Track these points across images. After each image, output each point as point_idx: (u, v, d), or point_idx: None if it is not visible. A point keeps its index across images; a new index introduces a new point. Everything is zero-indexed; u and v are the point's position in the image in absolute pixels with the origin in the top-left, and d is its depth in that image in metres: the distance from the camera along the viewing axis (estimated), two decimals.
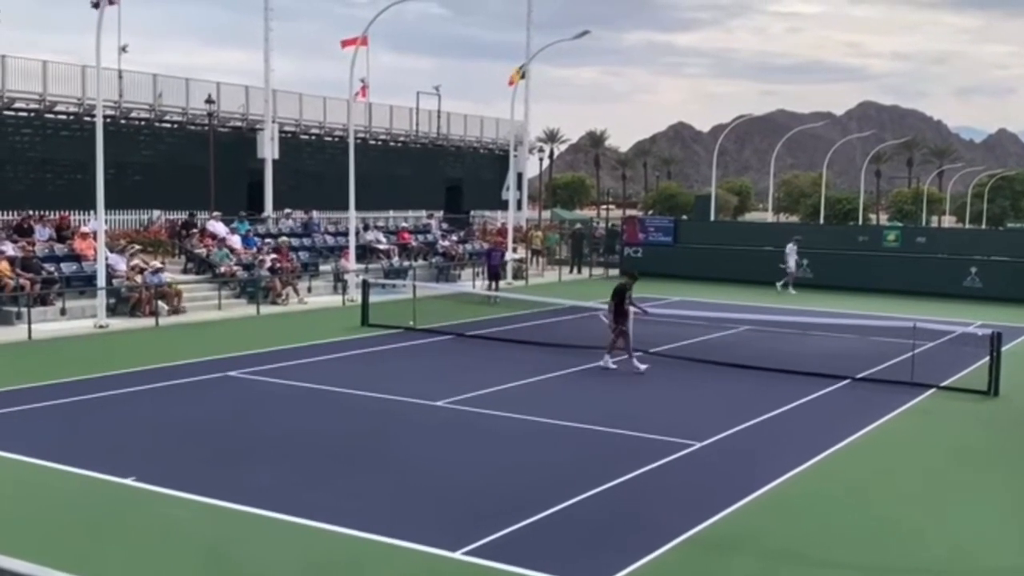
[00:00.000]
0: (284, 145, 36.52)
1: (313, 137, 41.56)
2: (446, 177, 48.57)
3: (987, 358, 16.15)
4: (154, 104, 34.72)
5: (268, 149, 34.87)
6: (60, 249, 24.84)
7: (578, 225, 50.67)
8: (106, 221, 23.84)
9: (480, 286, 31.09)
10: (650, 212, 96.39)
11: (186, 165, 34.56)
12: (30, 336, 19.90)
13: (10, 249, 22.95)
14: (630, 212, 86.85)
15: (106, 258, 22.92)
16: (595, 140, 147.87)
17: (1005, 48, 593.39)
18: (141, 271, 24.29)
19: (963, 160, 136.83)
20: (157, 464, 11.01)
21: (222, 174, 33.83)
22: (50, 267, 23.25)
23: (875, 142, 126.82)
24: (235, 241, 28.95)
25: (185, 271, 27.69)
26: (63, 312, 22.45)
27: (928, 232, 43.23)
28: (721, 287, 32.27)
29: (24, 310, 20.93)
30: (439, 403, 14.37)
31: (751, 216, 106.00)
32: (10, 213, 27.40)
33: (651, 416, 14.12)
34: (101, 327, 21.58)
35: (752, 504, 10.09)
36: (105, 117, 24.80)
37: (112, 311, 22.77)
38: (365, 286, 23.48)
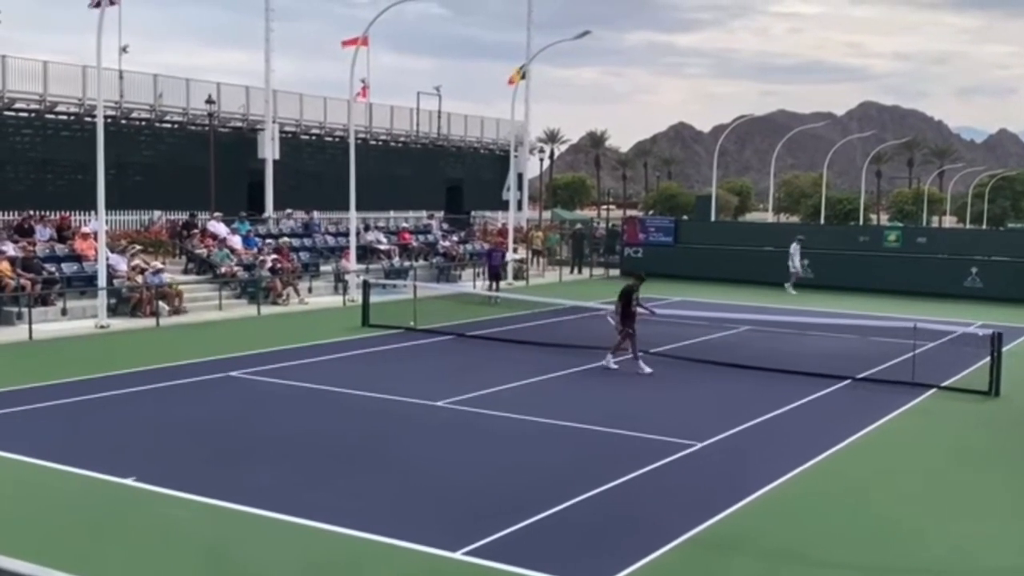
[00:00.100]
0: (285, 145, 36.53)
1: (314, 137, 41.57)
2: (447, 177, 48.56)
3: (988, 358, 16.15)
4: (155, 104, 34.72)
5: (269, 149, 34.88)
6: (61, 249, 24.86)
7: (579, 225, 50.66)
8: (107, 221, 23.85)
9: (481, 286, 31.10)
10: (650, 212, 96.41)
11: (187, 165, 34.56)
12: (31, 336, 19.91)
13: (11, 249, 22.97)
14: (630, 212, 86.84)
15: (107, 258, 22.93)
16: (595, 140, 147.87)
17: (1006, 48, 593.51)
18: (142, 271, 24.30)
19: (964, 160, 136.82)
20: (158, 464, 11.01)
21: (223, 174, 33.83)
22: (51, 267, 23.26)
23: (876, 142, 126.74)
24: (236, 241, 28.96)
25: (186, 271, 27.70)
26: (64, 312, 22.46)
27: (929, 232, 43.21)
28: (721, 287, 32.27)
29: (25, 310, 20.94)
30: (439, 403, 14.38)
31: (751, 216, 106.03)
32: (11, 213, 27.41)
33: (651, 416, 14.12)
34: (102, 327, 21.58)
35: (752, 504, 10.09)
36: (106, 117, 24.80)
37: (113, 311, 22.78)
38: (366, 286, 23.48)
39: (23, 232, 25.21)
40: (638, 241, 38.29)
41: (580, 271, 39.34)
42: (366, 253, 31.75)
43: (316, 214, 34.60)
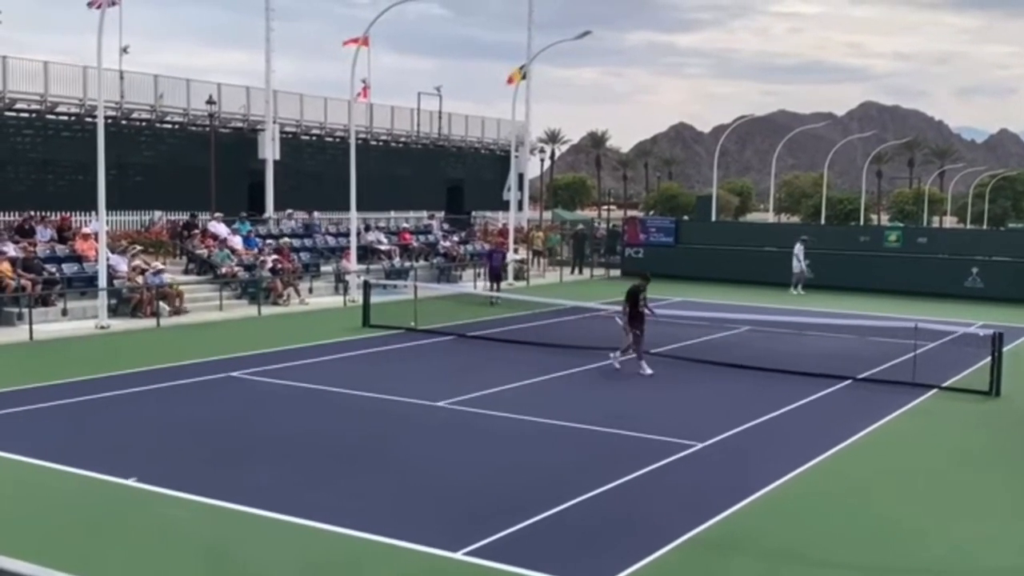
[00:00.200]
0: (285, 146, 36.52)
1: (314, 138, 41.56)
2: (447, 178, 48.55)
3: (988, 359, 16.15)
4: (155, 105, 34.71)
5: (269, 150, 34.88)
6: (61, 250, 24.87)
7: (580, 226, 50.65)
8: (107, 222, 23.84)
9: (482, 287, 31.11)
10: (651, 213, 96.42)
11: (187, 166, 34.55)
12: (31, 337, 19.92)
13: (11, 250, 22.97)
14: (631, 213, 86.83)
15: (107, 259, 22.94)
16: (596, 141, 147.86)
17: (1006, 48, 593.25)
18: (142, 272, 24.30)
19: (964, 160, 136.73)
20: (158, 464, 11.01)
21: (223, 175, 33.84)
22: (51, 268, 23.27)
23: (876, 142, 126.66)
24: (236, 242, 28.97)
25: (186, 272, 27.71)
26: (64, 313, 22.46)
27: (929, 232, 43.17)
28: (722, 288, 32.26)
29: (25, 311, 20.95)
30: (440, 404, 14.38)
31: (752, 217, 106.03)
32: (11, 214, 27.42)
33: (652, 417, 14.12)
34: (102, 328, 21.59)
35: (753, 504, 10.08)
36: (106, 118, 24.81)
37: (113, 312, 22.79)
38: (366, 287, 23.49)
39: (24, 233, 25.22)
40: (639, 241, 38.29)
41: (581, 271, 39.33)
42: (367, 253, 31.75)
43: (317, 214, 34.61)
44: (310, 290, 28.61)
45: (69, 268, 23.65)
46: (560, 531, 9.18)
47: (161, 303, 23.31)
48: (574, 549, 8.74)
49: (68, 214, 27.71)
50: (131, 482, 10.24)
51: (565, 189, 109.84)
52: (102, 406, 14.15)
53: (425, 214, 40.77)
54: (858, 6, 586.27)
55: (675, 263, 35.36)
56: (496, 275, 30.25)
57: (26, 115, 31.70)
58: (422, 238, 36.37)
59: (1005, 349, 16.47)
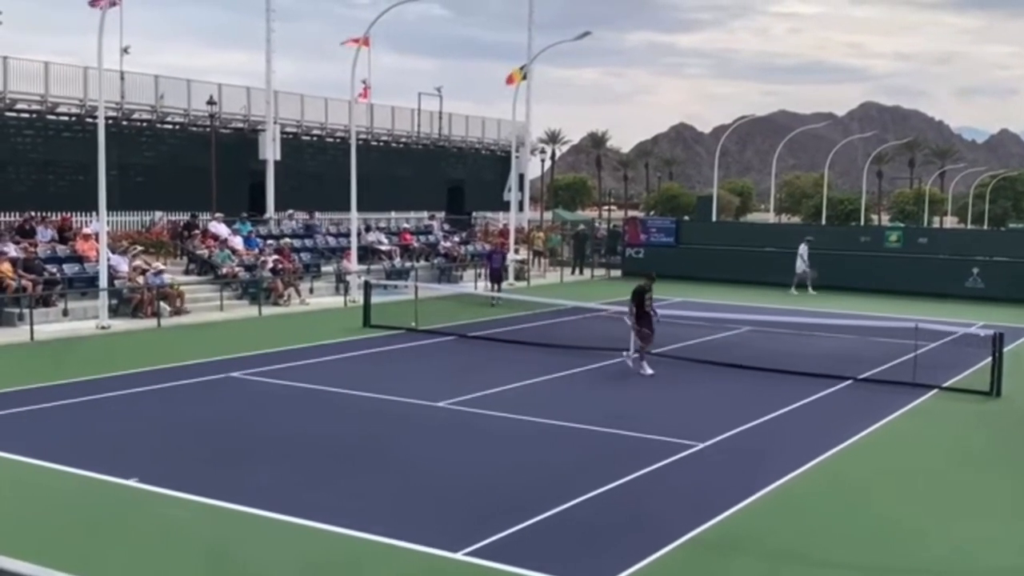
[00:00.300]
0: (286, 146, 36.52)
1: (315, 138, 41.56)
2: (448, 178, 48.55)
3: (989, 359, 16.15)
4: (156, 105, 34.72)
5: (270, 150, 34.88)
6: (62, 250, 24.88)
7: (581, 226, 50.65)
8: (108, 222, 23.83)
9: (482, 287, 31.10)
10: (651, 213, 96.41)
11: (188, 166, 34.55)
12: (32, 337, 19.93)
13: (12, 250, 22.97)
14: (632, 213, 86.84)
15: (108, 259, 22.94)
16: (597, 141, 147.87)
17: (1007, 48, 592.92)
18: (143, 272, 24.31)
19: (965, 161, 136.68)
20: (159, 464, 11.02)
21: (224, 175, 33.84)
22: (52, 268, 23.27)
23: (877, 143, 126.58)
24: (237, 242, 28.97)
25: (187, 272, 27.71)
26: (65, 313, 22.47)
27: (930, 233, 43.16)
28: (722, 288, 32.26)
29: (26, 311, 20.95)
30: (440, 404, 14.38)
31: (753, 217, 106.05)
32: (12, 214, 27.42)
33: (653, 417, 14.12)
34: (103, 328, 21.59)
35: (754, 505, 10.08)
36: (107, 118, 24.81)
37: (114, 312, 22.79)
38: (367, 287, 23.49)
39: (24, 233, 25.23)
40: (639, 242, 38.29)
41: (581, 272, 39.33)
42: (367, 254, 31.75)
43: (317, 215, 34.60)
44: (311, 290, 28.62)
45: (70, 268, 23.65)
46: (561, 531, 9.18)
47: (162, 303, 23.32)
48: (575, 549, 8.74)
49: (69, 214, 27.71)
50: (132, 482, 10.24)
51: (566, 189, 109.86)
52: (103, 406, 14.15)
53: (426, 214, 40.77)
54: (858, 6, 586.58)
55: (676, 263, 35.35)
56: (497, 275, 30.25)
57: (27, 115, 31.71)
58: (423, 238, 36.37)
59: (1006, 349, 16.47)
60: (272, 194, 34.73)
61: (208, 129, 34.66)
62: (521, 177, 41.27)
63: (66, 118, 32.61)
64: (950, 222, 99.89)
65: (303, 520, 9.16)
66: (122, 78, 34.03)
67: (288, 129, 38.36)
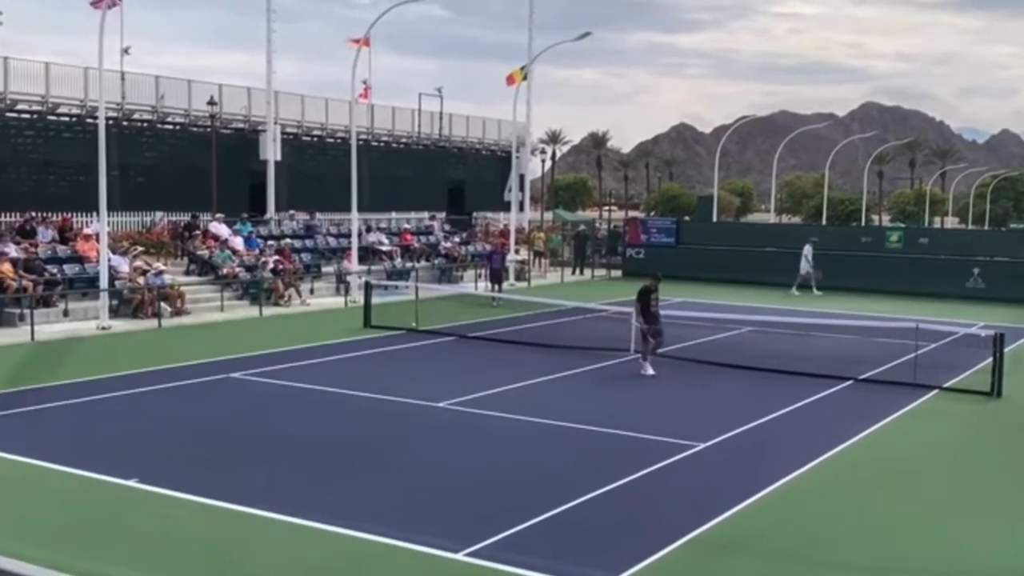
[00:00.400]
0: (286, 147, 36.53)
1: (315, 139, 41.56)
2: (448, 178, 48.55)
3: (990, 359, 16.14)
4: (156, 106, 34.72)
5: (271, 151, 34.90)
6: (63, 251, 24.88)
7: (581, 226, 50.67)
8: (108, 223, 23.85)
9: (483, 288, 31.11)
10: (652, 213, 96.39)
11: (188, 167, 34.56)
12: (33, 338, 19.93)
13: (13, 251, 22.97)
14: (632, 213, 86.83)
15: (109, 260, 22.94)
16: (597, 141, 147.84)
17: (1007, 49, 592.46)
18: (143, 273, 24.32)
19: (966, 161, 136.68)
20: (159, 465, 11.01)
21: (224, 176, 33.84)
22: (53, 269, 23.27)
23: (877, 143, 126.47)
24: (237, 243, 28.98)
25: (187, 273, 27.71)
26: (66, 314, 22.47)
27: (931, 233, 43.14)
28: (723, 288, 32.25)
29: (27, 312, 20.96)
30: (441, 404, 14.37)
31: (753, 217, 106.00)
32: (13, 215, 27.42)
33: (653, 417, 14.12)
34: (104, 328, 21.59)
35: (755, 505, 10.08)
36: (107, 119, 24.81)
37: (115, 313, 22.79)
38: (367, 287, 23.49)
39: (25, 233, 25.23)
40: (640, 242, 38.29)
41: (582, 272, 39.35)
42: (368, 254, 31.75)
43: (318, 215, 34.61)
44: (311, 291, 28.62)
45: (70, 269, 23.66)
46: (561, 532, 9.17)
47: (162, 304, 23.32)
48: (576, 549, 8.73)
49: (69, 215, 27.70)
50: (132, 483, 10.24)
51: (566, 190, 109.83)
52: (103, 407, 14.14)
53: (426, 215, 40.77)
54: (859, 7, 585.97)
55: (676, 264, 35.26)
56: (497, 276, 30.25)
57: (27, 116, 31.71)
58: (423, 239, 36.38)
59: (1006, 350, 16.47)
60: (273, 195, 34.74)
61: (209, 130, 34.66)
62: (521, 177, 41.28)
63: (67, 118, 32.61)
64: (951, 222, 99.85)
65: (303, 520, 9.16)
66: (123, 79, 34.04)
67: (289, 129, 38.36)
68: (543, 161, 64.24)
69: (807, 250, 32.43)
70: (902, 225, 63.95)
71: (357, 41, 30.22)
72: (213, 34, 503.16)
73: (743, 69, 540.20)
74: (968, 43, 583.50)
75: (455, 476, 10.99)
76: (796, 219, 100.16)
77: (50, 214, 27.25)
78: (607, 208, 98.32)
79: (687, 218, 57.91)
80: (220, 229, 29.33)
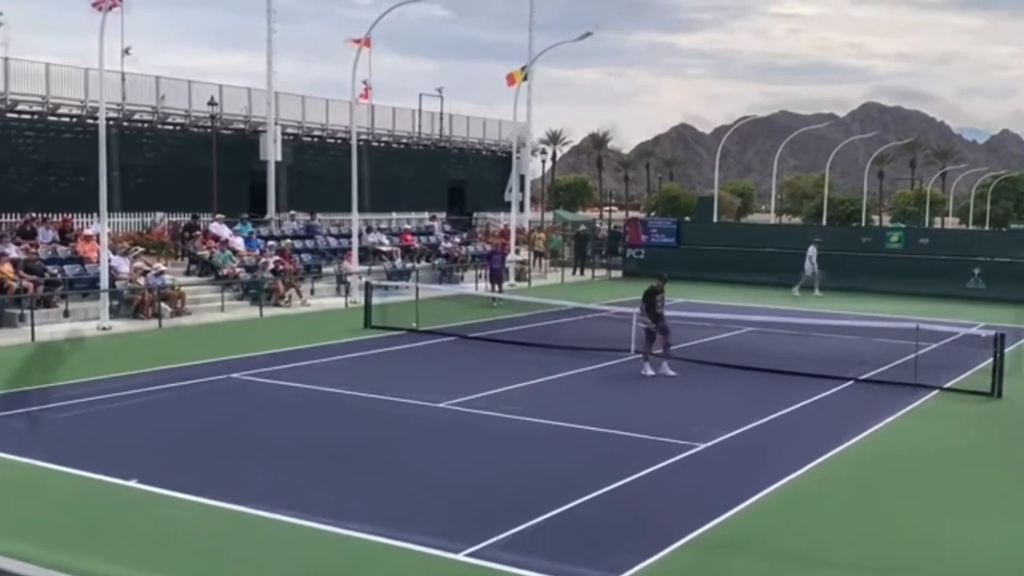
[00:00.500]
0: (287, 147, 36.52)
1: (316, 139, 41.54)
2: (449, 179, 48.54)
3: (990, 360, 16.14)
4: (157, 106, 34.70)
5: (271, 151, 34.91)
6: (63, 251, 24.89)
7: (582, 227, 50.68)
8: (109, 223, 23.86)
9: (483, 288, 31.11)
10: (652, 214, 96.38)
11: (189, 167, 34.54)
12: (33, 338, 19.93)
13: (13, 251, 22.99)
14: (632, 214, 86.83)
15: (109, 260, 22.95)
16: (597, 142, 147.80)
17: (1008, 49, 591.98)
18: (144, 273, 24.32)
19: (966, 161, 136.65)
20: (159, 466, 11.01)
21: (225, 176, 33.84)
22: (53, 269, 23.28)
23: (878, 143, 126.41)
24: (238, 243, 28.99)
25: (188, 273, 27.72)
26: (66, 314, 22.47)
27: (931, 233, 43.16)
28: (723, 289, 32.24)
29: (27, 312, 20.96)
30: (442, 404, 14.37)
31: (754, 217, 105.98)
32: (13, 215, 27.43)
33: (654, 417, 14.12)
34: (104, 329, 21.60)
35: (756, 505, 10.08)
36: (108, 120, 24.81)
37: (115, 313, 22.80)
38: (368, 288, 23.49)
39: (26, 234, 25.24)
40: (640, 242, 38.28)
41: (582, 273, 39.35)
42: (368, 255, 31.76)
43: (318, 216, 34.61)
44: (312, 291, 28.62)
45: (71, 269, 23.66)
46: (562, 532, 9.17)
47: (163, 304, 23.33)
48: (576, 550, 8.73)
49: (70, 216, 27.71)
50: (132, 483, 10.24)
51: (566, 190, 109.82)
52: (104, 407, 14.14)
53: (427, 215, 40.76)
54: (859, 7, 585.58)
55: (676, 264, 35.11)
56: (497, 276, 30.26)
57: (28, 117, 31.70)
58: (424, 239, 36.38)
59: (1007, 350, 16.46)
60: (273, 195, 34.75)
61: (209, 130, 34.66)
62: (522, 178, 41.29)
63: (67, 119, 32.60)
64: (951, 223, 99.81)
65: (303, 521, 9.16)
66: (123, 79, 34.02)
67: (289, 130, 38.35)
68: (543, 161, 64.28)
69: (811, 251, 32.39)
70: (902, 225, 63.96)
71: (358, 41, 30.24)
72: (213, 34, 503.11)
73: (743, 69, 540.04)
74: (968, 43, 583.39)
75: (455, 476, 10.99)
76: (796, 220, 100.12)
77: (50, 215, 27.26)
78: (607, 208, 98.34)
79: (687, 218, 57.89)
80: (221, 229, 29.34)
